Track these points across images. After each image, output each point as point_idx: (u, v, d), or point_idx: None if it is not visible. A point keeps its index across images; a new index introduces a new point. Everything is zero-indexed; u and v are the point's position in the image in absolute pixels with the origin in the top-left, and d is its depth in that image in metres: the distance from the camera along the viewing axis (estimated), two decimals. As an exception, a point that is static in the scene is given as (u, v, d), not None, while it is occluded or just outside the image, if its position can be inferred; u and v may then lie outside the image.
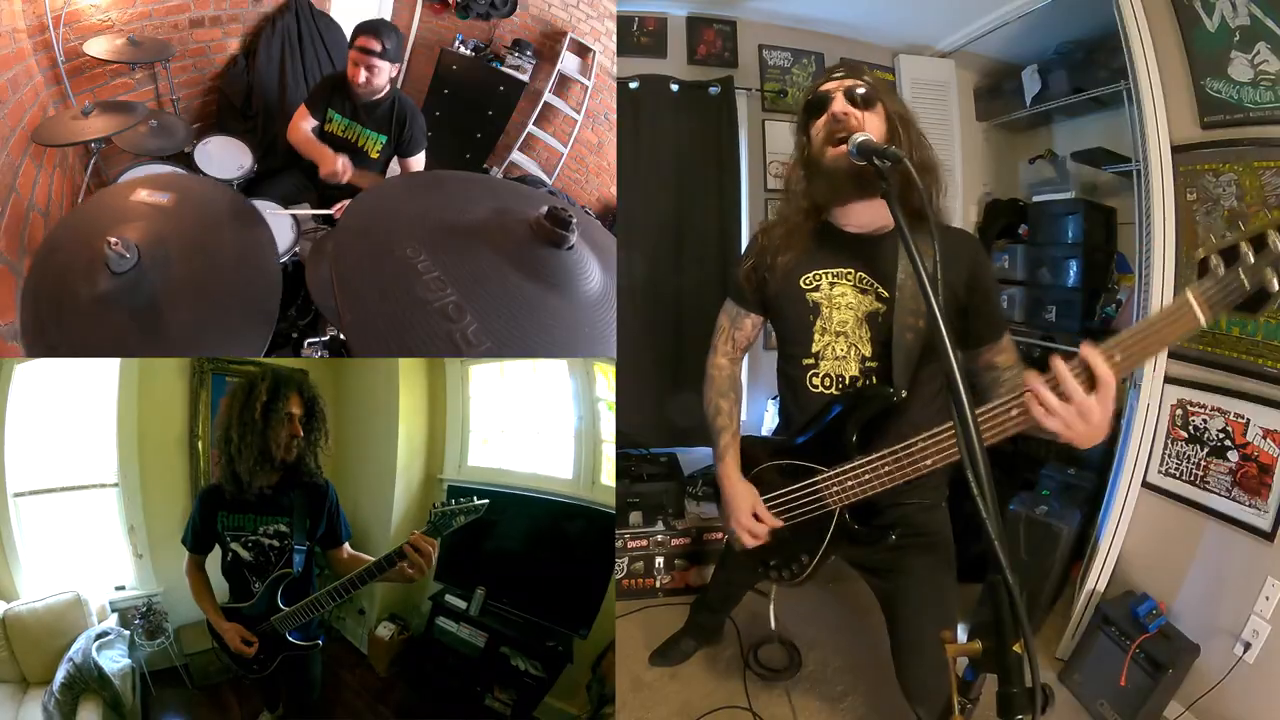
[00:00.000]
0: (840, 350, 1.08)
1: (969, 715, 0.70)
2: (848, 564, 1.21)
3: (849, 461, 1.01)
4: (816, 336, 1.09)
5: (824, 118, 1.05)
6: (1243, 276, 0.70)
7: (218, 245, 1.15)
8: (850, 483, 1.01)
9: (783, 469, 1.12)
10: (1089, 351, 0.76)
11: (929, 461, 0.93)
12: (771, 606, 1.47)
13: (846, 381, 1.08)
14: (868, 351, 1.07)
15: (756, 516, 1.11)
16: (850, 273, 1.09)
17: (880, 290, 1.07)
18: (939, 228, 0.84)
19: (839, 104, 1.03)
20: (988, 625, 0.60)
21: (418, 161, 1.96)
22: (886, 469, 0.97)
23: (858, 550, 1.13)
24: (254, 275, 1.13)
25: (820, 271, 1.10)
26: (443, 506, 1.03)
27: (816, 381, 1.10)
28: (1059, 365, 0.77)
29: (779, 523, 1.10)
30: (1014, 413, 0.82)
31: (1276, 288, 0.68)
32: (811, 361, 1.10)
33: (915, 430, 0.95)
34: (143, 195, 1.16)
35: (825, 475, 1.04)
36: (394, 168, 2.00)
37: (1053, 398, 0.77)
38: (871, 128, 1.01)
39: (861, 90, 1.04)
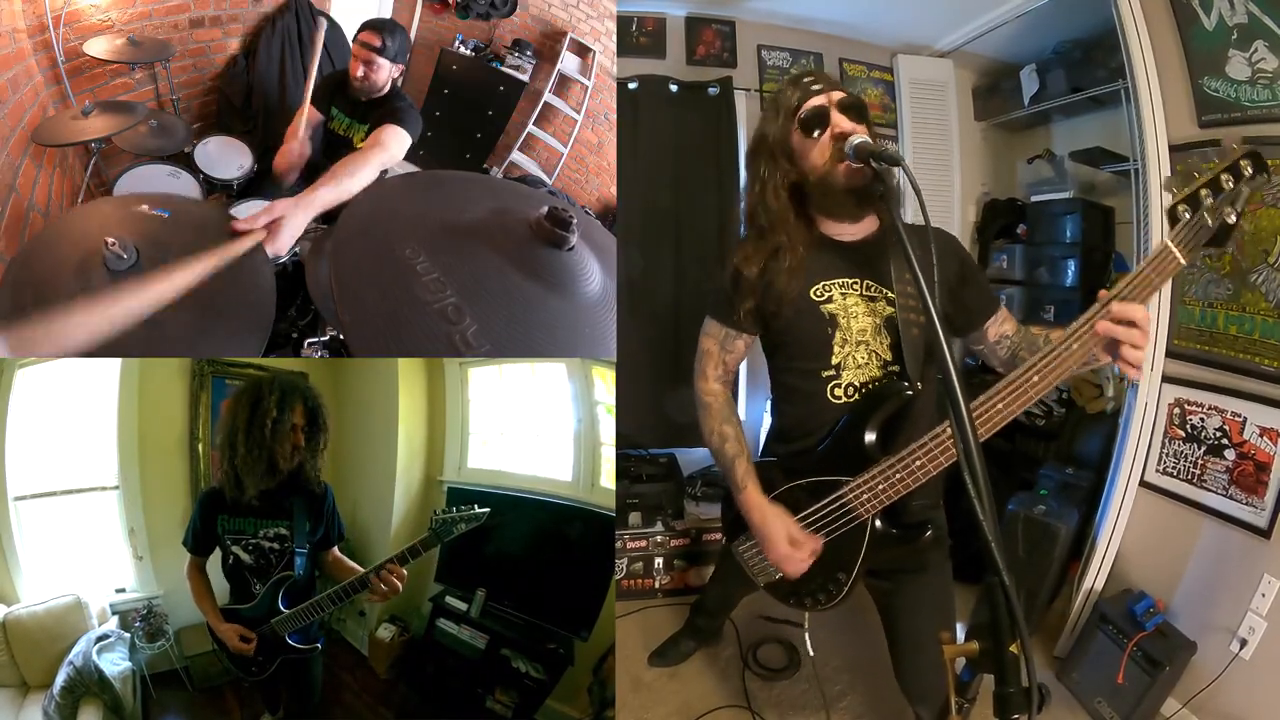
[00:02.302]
0: (861, 359, 1.06)
1: (966, 715, 0.71)
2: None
3: (874, 465, 0.99)
4: (837, 348, 1.05)
5: (826, 135, 1.01)
6: (1206, 217, 0.82)
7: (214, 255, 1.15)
8: (881, 486, 0.98)
9: (805, 488, 1.07)
10: (1108, 296, 0.85)
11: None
12: (807, 636, 1.40)
13: (871, 388, 1.06)
14: (888, 356, 1.06)
15: (794, 542, 1.06)
16: (856, 281, 1.07)
17: (888, 294, 1.05)
18: (932, 229, 0.84)
19: (840, 121, 1.00)
20: (985, 626, 0.61)
21: (397, 133, 1.60)
22: (919, 463, 0.95)
23: (888, 554, 1.09)
24: (249, 285, 1.14)
25: (828, 282, 1.07)
26: (443, 514, 1.03)
27: (839, 392, 1.06)
28: (1123, 307, 0.84)
29: (819, 541, 1.05)
30: (1076, 349, 0.86)
31: (1234, 220, 0.82)
32: (832, 373, 1.06)
33: (936, 421, 0.94)
34: (143, 208, 1.17)
35: (853, 484, 1.01)
36: (401, 169, 1.95)
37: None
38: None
39: (853, 103, 1.02)
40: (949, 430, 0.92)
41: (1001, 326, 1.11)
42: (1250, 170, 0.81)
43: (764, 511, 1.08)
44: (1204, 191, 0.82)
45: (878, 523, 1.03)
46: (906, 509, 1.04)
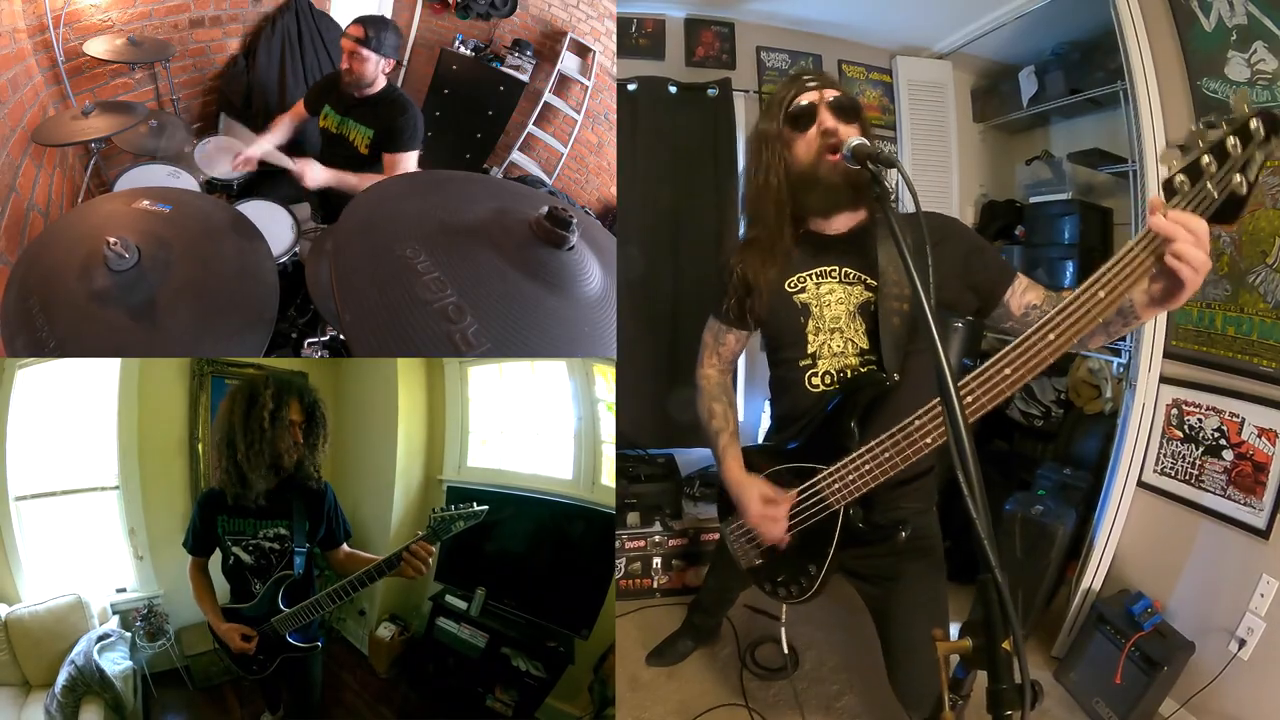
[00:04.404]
0: (837, 346, 1.07)
1: (960, 711, 0.71)
2: (840, 570, 1.21)
3: (848, 454, 1.00)
4: (811, 337, 1.09)
5: (813, 130, 1.03)
6: (1210, 188, 0.70)
7: (217, 253, 1.16)
8: (851, 476, 1.00)
9: (784, 474, 1.10)
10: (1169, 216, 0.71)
11: (929, 440, 0.92)
12: (783, 631, 1.45)
13: (848, 376, 1.07)
14: (865, 344, 1.06)
15: (770, 501, 1.08)
16: (834, 269, 1.09)
17: (868, 280, 1.06)
18: (926, 216, 0.82)
19: (827, 118, 1.02)
20: (978, 623, 0.61)
21: (405, 160, 1.79)
22: (887, 455, 0.96)
23: (862, 552, 1.12)
24: (253, 282, 1.14)
25: (804, 274, 1.10)
26: (442, 511, 1.04)
27: (816, 380, 1.09)
28: (1175, 216, 0.71)
29: (793, 496, 1.07)
30: (1141, 262, 0.74)
31: (1245, 190, 0.68)
32: (809, 362, 1.09)
33: (914, 413, 0.94)
34: (144, 204, 1.17)
35: (826, 472, 1.03)
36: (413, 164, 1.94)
37: (1193, 250, 0.71)
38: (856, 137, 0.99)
39: (845, 103, 1.04)
40: (915, 423, 0.93)
41: (1024, 296, 1.03)
42: (1263, 132, 0.67)
43: (738, 479, 1.14)
44: (1206, 159, 0.69)
45: (850, 514, 1.04)
46: (880, 505, 1.05)
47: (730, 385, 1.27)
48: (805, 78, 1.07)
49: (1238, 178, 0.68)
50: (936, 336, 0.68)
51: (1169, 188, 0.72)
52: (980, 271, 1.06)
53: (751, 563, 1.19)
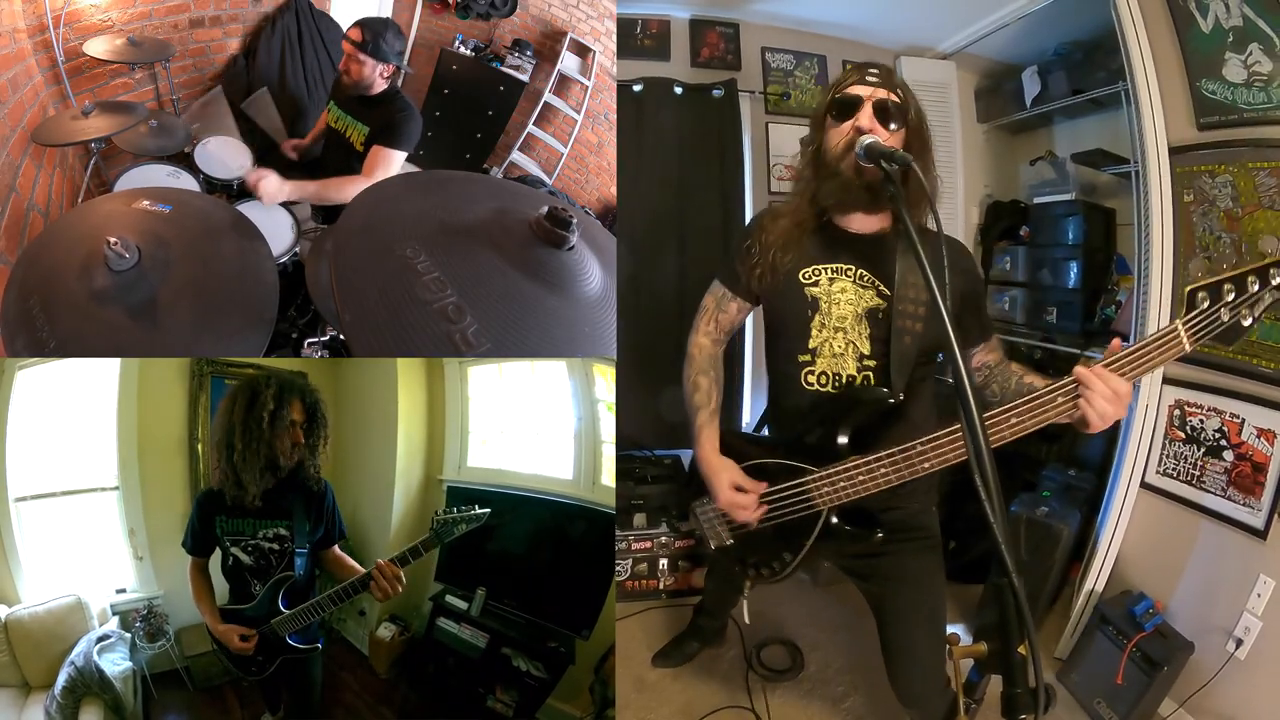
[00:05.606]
0: (838, 347, 1.07)
1: (974, 715, 0.71)
2: (837, 568, 1.21)
3: (840, 462, 1.00)
4: (815, 332, 1.08)
5: (849, 124, 1.01)
6: (1222, 313, 0.81)
7: (217, 253, 1.16)
8: (842, 483, 1.00)
9: (769, 467, 1.10)
10: (1094, 371, 0.84)
11: (927, 464, 0.93)
12: (745, 604, 1.45)
13: (843, 380, 1.06)
14: (866, 349, 1.06)
15: (740, 490, 1.08)
16: (851, 269, 1.08)
17: (881, 288, 1.06)
18: (948, 240, 0.83)
19: (864, 117, 1.00)
20: (993, 627, 0.61)
21: (391, 157, 1.74)
22: (883, 471, 0.96)
23: (844, 550, 1.12)
24: (253, 282, 1.14)
25: (820, 266, 1.09)
26: (444, 514, 1.04)
27: (812, 379, 1.08)
28: (1095, 372, 0.84)
29: (763, 486, 1.07)
30: (1059, 402, 0.86)
31: (1248, 324, 0.81)
32: (808, 358, 1.08)
33: (911, 432, 0.94)
34: (144, 204, 1.17)
35: (815, 475, 1.02)
36: (411, 165, 1.94)
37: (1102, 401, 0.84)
38: (891, 143, 0.99)
39: (892, 107, 1.01)
40: (918, 448, 0.93)
41: (986, 356, 1.11)
42: (1279, 280, 0.79)
43: (711, 461, 1.12)
44: (1227, 286, 0.81)
45: (833, 519, 1.04)
46: (870, 505, 1.04)
47: (721, 359, 1.23)
48: (869, 70, 1.04)
49: (1244, 311, 0.80)
50: (958, 352, 0.69)
51: (1191, 299, 0.83)
52: (969, 317, 1.07)
53: (722, 542, 1.18)
